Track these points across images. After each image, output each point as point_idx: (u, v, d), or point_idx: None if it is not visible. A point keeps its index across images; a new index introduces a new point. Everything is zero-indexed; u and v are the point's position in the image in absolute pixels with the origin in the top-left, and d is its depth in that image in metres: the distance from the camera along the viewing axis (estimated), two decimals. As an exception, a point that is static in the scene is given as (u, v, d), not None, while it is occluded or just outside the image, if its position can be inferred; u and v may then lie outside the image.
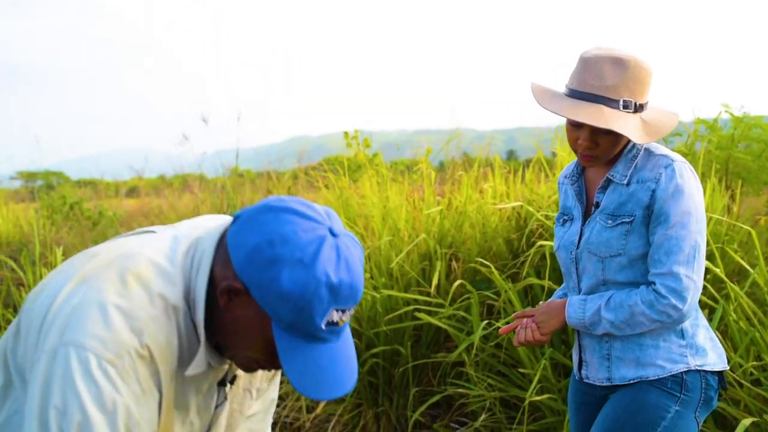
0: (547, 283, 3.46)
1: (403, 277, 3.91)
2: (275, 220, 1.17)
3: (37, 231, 7.05)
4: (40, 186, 15.53)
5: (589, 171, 2.08)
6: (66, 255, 5.22)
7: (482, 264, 3.72)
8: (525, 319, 2.09)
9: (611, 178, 1.96)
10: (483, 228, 3.99)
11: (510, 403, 3.69)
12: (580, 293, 2.06)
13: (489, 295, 3.72)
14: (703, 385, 1.93)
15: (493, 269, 3.47)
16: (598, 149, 1.90)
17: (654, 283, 1.85)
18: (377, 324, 3.80)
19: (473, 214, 4.02)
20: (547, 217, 3.71)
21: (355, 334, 3.91)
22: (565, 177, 2.16)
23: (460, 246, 4.02)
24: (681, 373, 1.91)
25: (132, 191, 11.95)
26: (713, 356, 1.96)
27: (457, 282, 3.62)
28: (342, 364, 1.20)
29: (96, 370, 1.12)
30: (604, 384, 2.04)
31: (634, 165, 1.93)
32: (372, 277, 3.91)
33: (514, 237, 3.92)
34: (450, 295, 3.62)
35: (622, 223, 1.91)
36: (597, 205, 2.00)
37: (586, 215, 2.05)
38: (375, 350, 3.78)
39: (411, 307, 3.65)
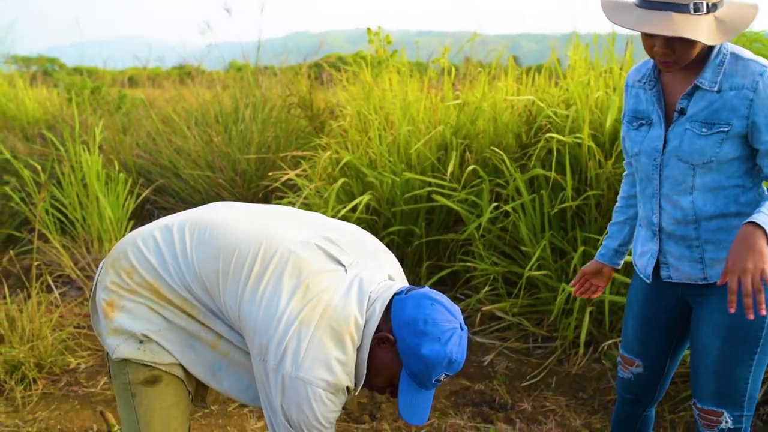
0: (552, 174, 3.84)
1: (420, 164, 4.29)
2: (431, 306, 1.67)
3: (66, 112, 7.36)
4: (35, 71, 15.51)
5: (665, 75, 2.02)
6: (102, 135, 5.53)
7: (494, 153, 4.08)
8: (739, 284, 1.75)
9: (700, 85, 1.90)
10: (495, 123, 4.33)
11: (510, 280, 4.14)
12: (660, 200, 2.04)
13: (499, 182, 4.11)
14: None
15: (505, 158, 3.84)
16: (675, 54, 1.86)
17: None
18: (395, 204, 4.20)
19: (487, 109, 4.35)
20: (555, 114, 4.05)
21: (374, 213, 4.32)
22: (637, 81, 2.10)
23: (473, 138, 4.38)
24: None
25: (131, 81, 12.08)
26: None
27: (470, 167, 4.00)
28: (427, 405, 1.75)
29: (325, 397, 1.63)
30: (699, 283, 2.05)
31: (722, 71, 1.88)
32: (391, 163, 4.28)
33: (524, 131, 4.27)
34: (462, 181, 4.00)
35: (719, 132, 1.88)
36: (682, 111, 1.95)
37: (668, 120, 2.01)
38: (392, 229, 4.21)
39: (426, 190, 4.05)
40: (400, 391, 1.70)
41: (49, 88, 9.26)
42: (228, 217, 1.79)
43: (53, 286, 4.33)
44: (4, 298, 4.36)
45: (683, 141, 1.93)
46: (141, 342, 1.71)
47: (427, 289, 1.75)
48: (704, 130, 1.90)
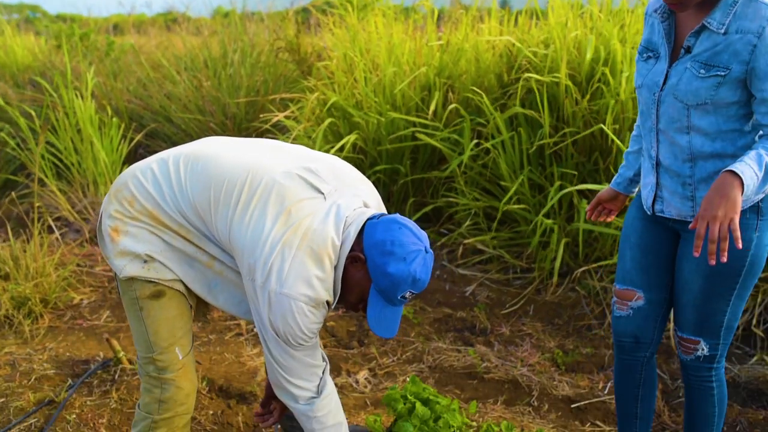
0: (530, 112, 4.00)
1: (404, 105, 4.43)
2: (399, 230, 1.84)
3: (56, 59, 7.40)
4: (17, 19, 15.32)
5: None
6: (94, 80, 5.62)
7: (475, 92, 4.23)
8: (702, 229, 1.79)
9: (707, 25, 1.86)
10: (477, 63, 4.46)
11: (492, 215, 4.33)
12: (657, 134, 2.04)
13: (480, 121, 4.27)
14: None
15: (485, 98, 3.99)
16: None
17: None
18: (381, 144, 4.36)
19: (469, 50, 4.47)
20: (535, 54, 4.18)
21: (361, 152, 4.49)
22: (655, 11, 2.05)
23: (456, 79, 4.51)
24: (758, 201, 1.96)
25: (115, 29, 12.02)
26: None
27: (452, 107, 4.15)
28: (396, 320, 1.91)
29: (306, 310, 1.82)
30: (688, 220, 2.07)
31: (733, 12, 1.83)
32: (377, 104, 4.43)
33: (504, 71, 4.40)
34: (444, 120, 4.16)
35: (716, 75, 1.86)
36: (688, 50, 1.93)
37: (674, 56, 1.99)
38: (378, 168, 4.38)
39: (410, 130, 4.21)
40: (369, 305, 1.87)
41: (34, 35, 9.25)
42: (219, 150, 1.96)
43: (54, 227, 4.51)
44: (4, 241, 4.53)
45: (681, 80, 1.92)
46: (145, 262, 1.89)
47: (397, 216, 1.91)
48: (702, 71, 1.88)
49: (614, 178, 2.42)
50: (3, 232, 4.74)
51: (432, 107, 4.09)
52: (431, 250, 1.91)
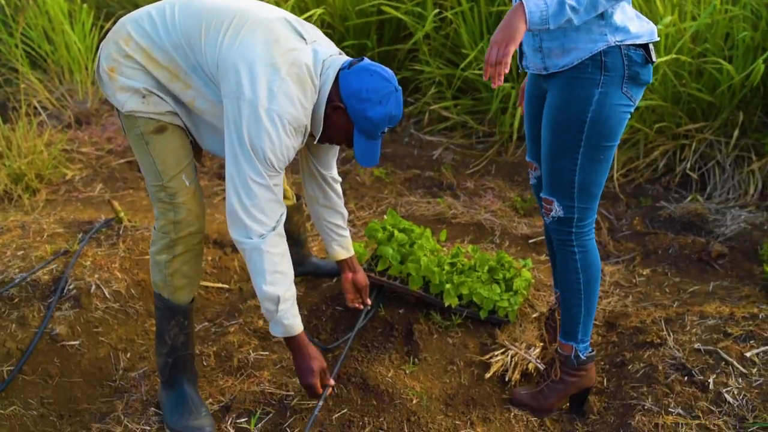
0: (488, -18, 4.23)
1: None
2: (370, 78, 2.07)
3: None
4: None
5: None
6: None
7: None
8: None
9: None
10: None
11: (456, 86, 4.62)
12: None
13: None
14: (625, 62, 2.01)
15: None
16: None
17: None
18: (348, 19, 4.57)
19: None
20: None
21: (329, 28, 4.70)
22: None
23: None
24: (600, 53, 1.98)
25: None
26: (635, 31, 2.01)
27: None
28: (377, 151, 2.18)
29: (289, 129, 2.04)
30: (543, 74, 2.14)
31: None
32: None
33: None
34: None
35: None
36: None
37: None
38: (346, 43, 4.60)
39: (376, 2, 4.42)
40: (355, 144, 2.15)
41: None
42: None
43: (40, 110, 4.70)
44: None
45: None
46: (144, 96, 2.14)
47: (365, 62, 2.13)
48: None
49: None
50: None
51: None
52: (400, 87, 2.18)
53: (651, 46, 2.05)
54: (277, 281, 2.10)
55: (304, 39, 2.15)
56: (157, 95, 2.16)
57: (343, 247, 2.62)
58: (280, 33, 2.09)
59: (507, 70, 1.89)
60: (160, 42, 2.13)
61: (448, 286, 2.66)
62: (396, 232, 2.83)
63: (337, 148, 2.55)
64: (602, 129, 2.06)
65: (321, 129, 2.18)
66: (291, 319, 2.16)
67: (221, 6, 2.13)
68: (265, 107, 2.00)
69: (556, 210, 2.18)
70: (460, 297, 2.70)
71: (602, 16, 1.97)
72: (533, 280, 2.93)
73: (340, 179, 2.60)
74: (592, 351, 2.35)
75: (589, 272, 2.24)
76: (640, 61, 2.03)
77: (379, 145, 2.20)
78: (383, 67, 2.16)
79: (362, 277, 2.65)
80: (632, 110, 2.12)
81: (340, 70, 2.13)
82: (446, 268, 2.73)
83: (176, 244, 2.24)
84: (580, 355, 2.32)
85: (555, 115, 2.10)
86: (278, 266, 2.11)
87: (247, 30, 2.06)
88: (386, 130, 2.18)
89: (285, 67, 2.03)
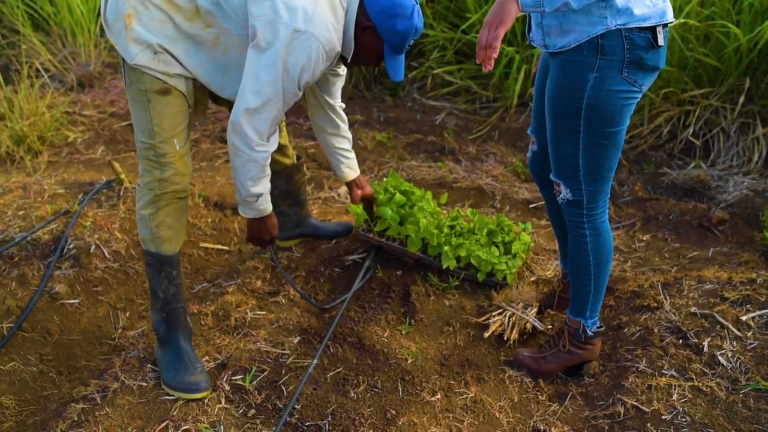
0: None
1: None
2: None
3: None
4: None
5: None
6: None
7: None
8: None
9: None
10: None
11: (461, 51, 4.57)
12: None
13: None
14: (626, 45, 1.91)
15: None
16: None
17: None
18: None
19: None
20: None
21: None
22: None
23: None
24: (597, 37, 1.90)
25: None
26: (639, 13, 1.90)
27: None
28: (402, 65, 2.33)
29: (321, 53, 2.14)
30: (544, 50, 2.12)
31: None
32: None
33: None
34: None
35: None
36: None
37: None
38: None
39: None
40: (386, 60, 2.30)
41: None
42: None
43: (43, 72, 4.68)
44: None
45: None
46: (155, 53, 2.14)
47: None
48: None
49: None
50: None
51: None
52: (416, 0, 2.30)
53: (659, 29, 1.92)
54: (263, 182, 2.28)
55: None
56: (169, 53, 2.17)
57: (351, 168, 2.81)
58: None
59: (496, 54, 1.86)
60: None
61: (446, 248, 2.66)
62: (397, 194, 2.83)
63: (343, 77, 2.69)
64: (601, 115, 1.99)
65: (352, 50, 2.29)
66: (265, 205, 2.34)
67: None
68: (302, 30, 2.09)
69: (565, 193, 2.16)
70: (458, 259, 2.70)
71: None
72: (532, 244, 2.92)
73: (344, 105, 2.74)
74: (601, 326, 2.37)
75: (600, 254, 2.22)
76: (645, 44, 1.92)
77: (403, 60, 2.34)
78: None
79: (369, 190, 2.86)
80: (638, 96, 2.01)
81: None
82: (445, 230, 2.73)
83: (160, 199, 2.27)
84: (588, 330, 2.33)
85: (553, 100, 2.06)
86: (266, 171, 2.28)
87: None
88: (411, 43, 2.30)
89: None
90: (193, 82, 2.27)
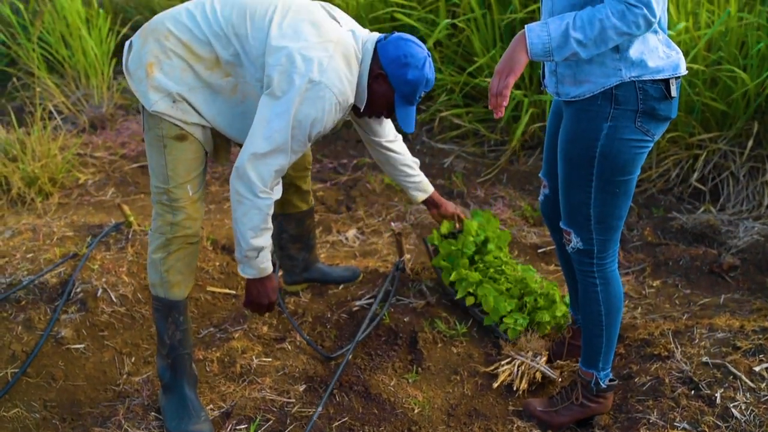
0: (501, -11, 4.22)
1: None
2: (406, 44, 2.28)
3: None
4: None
5: None
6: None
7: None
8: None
9: None
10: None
11: (469, 94, 4.60)
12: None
13: (454, 1, 4.48)
14: (640, 96, 1.92)
15: (458, -24, 4.19)
16: None
17: None
18: (362, 26, 4.57)
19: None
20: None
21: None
22: None
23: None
24: (611, 88, 1.91)
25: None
26: (653, 65, 1.91)
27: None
28: (413, 116, 2.37)
29: (334, 104, 2.19)
30: (557, 99, 2.15)
31: None
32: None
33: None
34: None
35: None
36: None
37: None
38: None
39: (389, 10, 4.42)
40: (397, 109, 2.34)
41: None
42: None
43: (55, 114, 4.74)
44: (7, 127, 4.75)
45: None
46: (174, 101, 2.18)
47: (399, 34, 2.34)
48: None
49: None
50: (3, 122, 4.95)
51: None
52: (429, 53, 2.36)
53: (673, 81, 1.94)
54: (264, 235, 2.25)
55: (338, 22, 2.31)
56: (188, 102, 2.23)
57: (420, 189, 2.85)
58: (321, 16, 2.25)
59: (506, 102, 1.90)
60: (200, 34, 2.22)
61: (464, 284, 2.70)
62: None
63: (385, 120, 2.71)
64: (614, 164, 1.99)
65: (365, 99, 2.34)
66: (266, 263, 2.30)
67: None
68: (316, 80, 2.13)
69: (575, 242, 2.15)
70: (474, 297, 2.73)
71: (617, 49, 1.89)
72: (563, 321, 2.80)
73: (398, 137, 2.76)
74: (614, 380, 2.33)
75: (611, 304, 2.20)
76: (658, 95, 1.94)
77: (414, 111, 2.38)
78: (414, 37, 2.35)
79: (448, 207, 2.91)
80: (650, 145, 2.02)
81: (377, 42, 2.32)
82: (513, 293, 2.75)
83: (171, 243, 2.29)
84: (601, 383, 2.29)
85: (567, 149, 2.07)
86: (269, 223, 2.25)
87: (293, 14, 2.22)
88: (422, 95, 2.36)
89: (332, 45, 2.19)
90: (211, 129, 2.31)
